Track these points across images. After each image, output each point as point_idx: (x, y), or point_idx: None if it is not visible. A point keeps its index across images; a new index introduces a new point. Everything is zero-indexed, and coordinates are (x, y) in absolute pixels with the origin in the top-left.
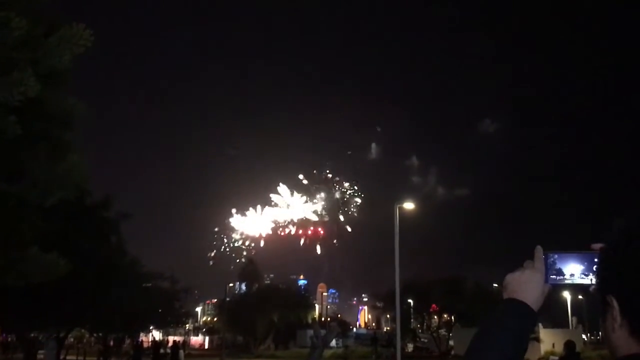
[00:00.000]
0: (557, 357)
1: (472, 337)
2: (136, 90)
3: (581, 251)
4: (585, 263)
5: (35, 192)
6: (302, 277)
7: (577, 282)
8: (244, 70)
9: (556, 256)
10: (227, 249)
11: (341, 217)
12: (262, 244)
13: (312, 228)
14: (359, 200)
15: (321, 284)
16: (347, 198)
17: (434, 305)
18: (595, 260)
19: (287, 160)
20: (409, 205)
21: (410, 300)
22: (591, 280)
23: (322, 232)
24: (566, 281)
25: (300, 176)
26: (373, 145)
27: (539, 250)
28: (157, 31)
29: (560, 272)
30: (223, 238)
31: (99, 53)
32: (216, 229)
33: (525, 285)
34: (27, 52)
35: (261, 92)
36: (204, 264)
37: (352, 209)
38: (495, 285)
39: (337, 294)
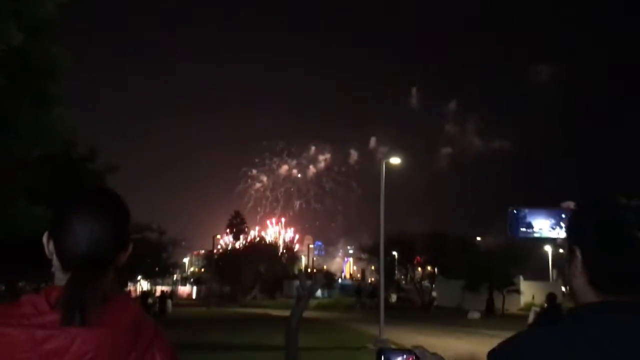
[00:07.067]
0: (538, 309)
1: None
2: (136, 38)
3: (550, 208)
4: (556, 218)
5: (20, 144)
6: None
7: (544, 235)
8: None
9: (527, 211)
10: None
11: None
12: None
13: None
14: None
15: (307, 236)
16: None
17: (417, 258)
18: (563, 216)
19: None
20: (395, 161)
21: (394, 253)
22: (558, 233)
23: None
24: (535, 234)
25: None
26: (413, 90)
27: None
28: None
29: (529, 226)
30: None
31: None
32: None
33: None
34: (9, 2)
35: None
36: (192, 215)
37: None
38: (479, 238)
39: (322, 245)
